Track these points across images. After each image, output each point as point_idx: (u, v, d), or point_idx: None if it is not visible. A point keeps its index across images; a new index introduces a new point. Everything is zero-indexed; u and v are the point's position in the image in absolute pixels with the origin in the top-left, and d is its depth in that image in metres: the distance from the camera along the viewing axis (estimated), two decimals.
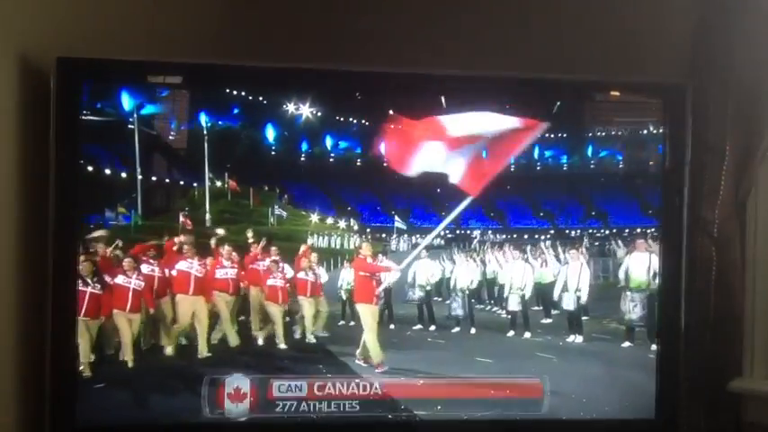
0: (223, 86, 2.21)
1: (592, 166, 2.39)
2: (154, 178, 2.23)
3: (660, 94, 2.17)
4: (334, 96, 2.24)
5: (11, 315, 1.95)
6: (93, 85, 2.00)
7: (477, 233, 2.45)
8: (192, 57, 2.04)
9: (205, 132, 2.20)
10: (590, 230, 2.47)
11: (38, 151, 1.93)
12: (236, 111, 2.26)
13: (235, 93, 2.24)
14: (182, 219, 2.23)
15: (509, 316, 2.42)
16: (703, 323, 2.19)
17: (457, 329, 2.41)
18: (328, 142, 2.42)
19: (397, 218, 2.46)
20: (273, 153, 2.32)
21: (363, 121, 2.40)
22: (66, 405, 1.97)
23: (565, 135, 2.38)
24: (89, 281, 2.06)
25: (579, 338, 2.32)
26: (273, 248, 2.31)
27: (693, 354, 2.19)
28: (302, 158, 2.41)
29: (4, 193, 1.93)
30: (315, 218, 2.43)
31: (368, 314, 2.29)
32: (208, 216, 2.25)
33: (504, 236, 2.48)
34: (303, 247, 2.35)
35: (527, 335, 2.39)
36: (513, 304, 2.43)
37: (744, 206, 2.22)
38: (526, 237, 2.52)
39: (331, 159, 2.45)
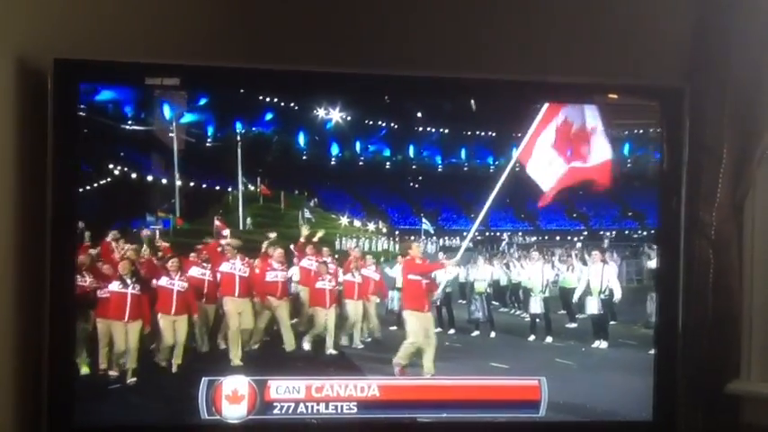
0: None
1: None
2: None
3: (657, 96, 2.17)
4: (363, 100, 2.21)
5: (9, 316, 1.95)
6: (90, 86, 1.99)
7: (505, 235, 2.43)
8: (190, 59, 2.03)
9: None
10: (623, 232, 2.44)
11: (35, 152, 1.93)
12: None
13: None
14: (217, 223, 2.24)
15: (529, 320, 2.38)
16: (701, 325, 2.18)
17: (476, 333, 2.35)
18: (357, 146, 2.39)
19: (425, 220, 2.43)
20: (304, 157, 2.31)
21: (392, 125, 2.39)
22: (63, 406, 1.96)
23: None
24: (128, 281, 2.10)
25: (604, 344, 2.29)
26: (325, 249, 2.29)
27: (691, 355, 2.19)
28: (332, 162, 2.38)
29: (2, 194, 1.93)
30: (344, 221, 2.40)
31: (417, 323, 2.16)
32: (242, 220, 2.28)
33: (533, 238, 2.46)
34: (354, 253, 2.32)
35: (549, 339, 2.34)
36: (535, 307, 2.40)
37: (741, 208, 2.20)
38: (558, 239, 2.50)
39: (360, 163, 2.42)
